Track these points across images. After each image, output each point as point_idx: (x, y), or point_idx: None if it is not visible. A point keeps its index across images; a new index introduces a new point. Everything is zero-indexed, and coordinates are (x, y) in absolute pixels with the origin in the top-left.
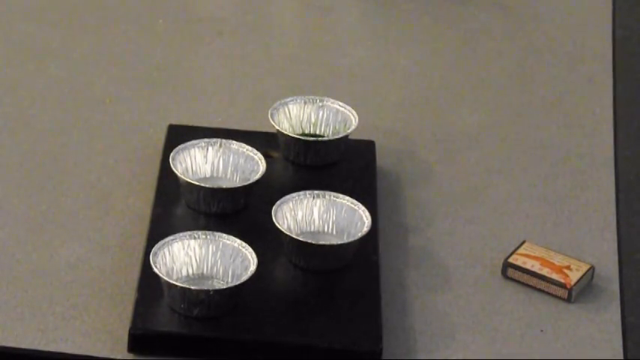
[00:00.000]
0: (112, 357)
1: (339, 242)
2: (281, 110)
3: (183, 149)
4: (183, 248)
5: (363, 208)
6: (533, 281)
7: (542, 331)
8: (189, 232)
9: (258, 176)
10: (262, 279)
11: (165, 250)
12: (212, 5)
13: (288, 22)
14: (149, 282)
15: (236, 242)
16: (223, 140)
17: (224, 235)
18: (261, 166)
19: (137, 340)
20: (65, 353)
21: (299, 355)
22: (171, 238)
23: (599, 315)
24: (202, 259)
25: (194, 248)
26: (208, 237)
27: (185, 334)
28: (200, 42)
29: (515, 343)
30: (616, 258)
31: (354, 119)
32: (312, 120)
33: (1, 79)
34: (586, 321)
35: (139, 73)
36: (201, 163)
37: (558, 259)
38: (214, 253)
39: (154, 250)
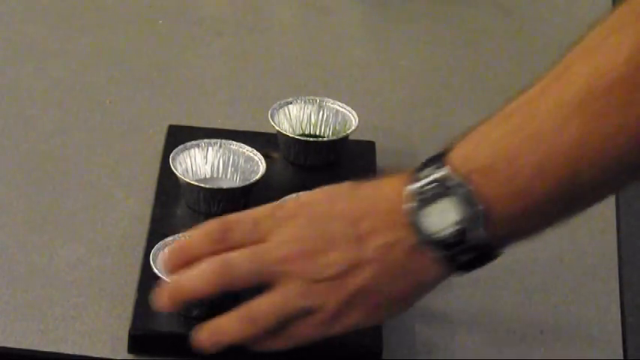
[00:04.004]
0: (111, 357)
1: None
2: (281, 111)
3: (183, 150)
4: None
5: None
6: None
7: (542, 331)
8: (189, 233)
9: (258, 177)
10: None
11: (165, 250)
12: (212, 5)
13: (288, 22)
14: (149, 282)
15: None
16: (223, 140)
17: None
18: (261, 166)
19: (137, 341)
20: (65, 354)
21: (299, 355)
22: (171, 238)
23: (599, 315)
24: None
25: None
26: None
27: (185, 335)
28: (200, 42)
29: (515, 343)
30: (616, 258)
31: (354, 119)
32: (312, 120)
33: (1, 79)
34: (586, 321)
35: (139, 73)
36: (201, 164)
37: None
38: None
39: (153, 250)
